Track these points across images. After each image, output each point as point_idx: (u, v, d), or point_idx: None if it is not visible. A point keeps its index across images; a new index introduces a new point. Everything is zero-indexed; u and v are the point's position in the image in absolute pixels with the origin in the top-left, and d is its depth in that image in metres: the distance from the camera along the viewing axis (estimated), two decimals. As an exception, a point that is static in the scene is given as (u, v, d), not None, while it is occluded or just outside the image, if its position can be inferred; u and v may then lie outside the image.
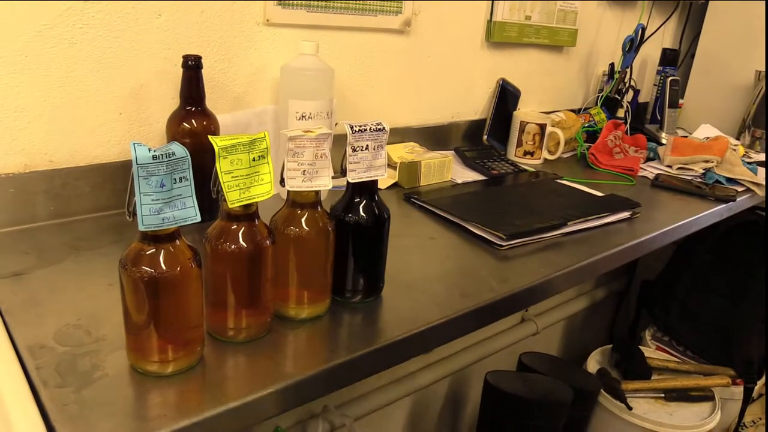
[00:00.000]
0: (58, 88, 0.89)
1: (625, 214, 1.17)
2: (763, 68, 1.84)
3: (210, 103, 0.95)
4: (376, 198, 0.75)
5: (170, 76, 0.99)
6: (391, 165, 1.26)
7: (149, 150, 0.54)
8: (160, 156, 0.54)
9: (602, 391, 1.61)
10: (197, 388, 0.60)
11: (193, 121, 0.92)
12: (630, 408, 1.58)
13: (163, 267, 0.57)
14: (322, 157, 0.67)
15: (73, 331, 0.66)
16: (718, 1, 1.98)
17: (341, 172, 0.73)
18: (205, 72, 0.92)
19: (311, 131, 0.66)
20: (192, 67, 0.90)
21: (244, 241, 0.63)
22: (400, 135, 1.38)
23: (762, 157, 1.74)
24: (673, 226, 1.18)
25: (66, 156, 0.93)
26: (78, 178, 0.93)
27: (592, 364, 1.80)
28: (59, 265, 0.80)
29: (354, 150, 0.71)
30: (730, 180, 1.49)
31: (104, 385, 0.58)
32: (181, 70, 0.90)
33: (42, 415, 0.54)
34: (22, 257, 0.81)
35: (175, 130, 0.92)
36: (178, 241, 0.58)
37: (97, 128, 0.95)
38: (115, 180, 0.96)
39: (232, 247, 0.63)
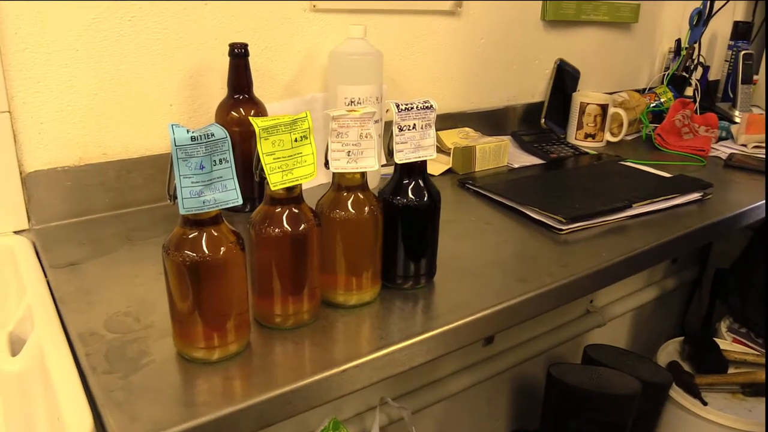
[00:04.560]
0: (108, 81, 0.90)
1: (696, 196, 1.09)
2: None
3: (258, 92, 0.94)
4: (426, 179, 0.72)
5: (218, 66, 0.99)
6: (444, 151, 1.23)
7: (187, 131, 0.53)
8: (199, 137, 0.53)
9: (674, 385, 1.53)
10: (244, 375, 0.59)
11: (241, 109, 0.91)
12: (705, 403, 1.49)
13: (206, 251, 0.56)
14: (367, 137, 0.65)
15: (123, 318, 0.66)
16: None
17: (388, 153, 0.71)
18: (253, 60, 0.91)
19: (355, 110, 0.64)
20: (239, 55, 0.89)
21: (288, 224, 0.62)
22: (453, 120, 1.34)
23: None
24: (748, 207, 1.09)
25: (119, 148, 0.94)
26: (131, 170, 0.94)
27: (663, 357, 1.71)
28: (113, 254, 0.81)
29: (401, 129, 0.68)
30: (812, 158, 1.38)
31: (151, 372, 0.58)
32: (228, 59, 0.89)
33: (90, 401, 0.54)
34: (78, 248, 0.82)
35: (223, 119, 0.91)
36: (220, 225, 0.57)
37: (148, 120, 0.95)
38: (167, 171, 0.97)
39: (277, 230, 0.61)
